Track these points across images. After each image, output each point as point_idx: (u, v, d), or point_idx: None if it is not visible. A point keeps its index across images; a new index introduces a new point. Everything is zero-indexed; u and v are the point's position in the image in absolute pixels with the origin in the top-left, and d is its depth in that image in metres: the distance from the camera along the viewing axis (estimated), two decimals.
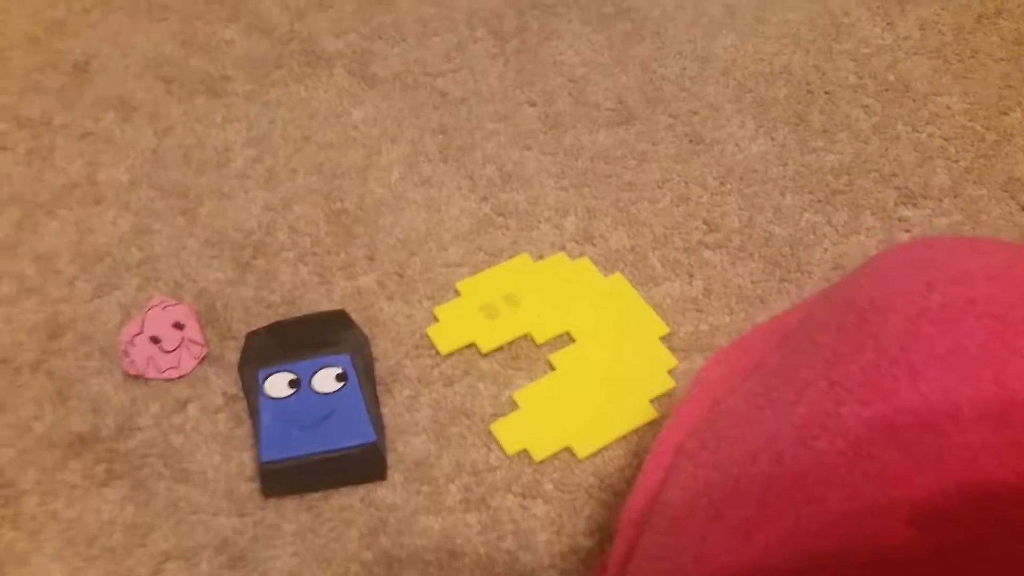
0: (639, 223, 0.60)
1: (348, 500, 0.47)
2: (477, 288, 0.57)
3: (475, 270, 0.58)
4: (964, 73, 0.70)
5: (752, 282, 0.57)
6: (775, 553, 0.27)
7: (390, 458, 0.49)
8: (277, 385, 0.49)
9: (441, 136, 0.66)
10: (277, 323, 0.53)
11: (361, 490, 0.48)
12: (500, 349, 0.54)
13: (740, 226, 0.60)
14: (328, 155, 0.65)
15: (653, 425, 0.50)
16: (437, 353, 0.54)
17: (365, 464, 0.48)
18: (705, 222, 0.60)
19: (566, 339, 0.54)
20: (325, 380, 0.50)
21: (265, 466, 0.47)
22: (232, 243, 0.59)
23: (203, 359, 0.53)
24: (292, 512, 0.47)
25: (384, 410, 0.51)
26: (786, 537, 0.27)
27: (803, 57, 0.72)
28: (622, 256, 0.58)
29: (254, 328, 0.53)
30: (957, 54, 0.71)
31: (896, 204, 0.61)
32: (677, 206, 0.61)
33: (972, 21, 0.74)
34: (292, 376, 0.49)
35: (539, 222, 0.60)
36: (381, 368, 0.53)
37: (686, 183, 0.63)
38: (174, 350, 0.53)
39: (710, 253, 0.59)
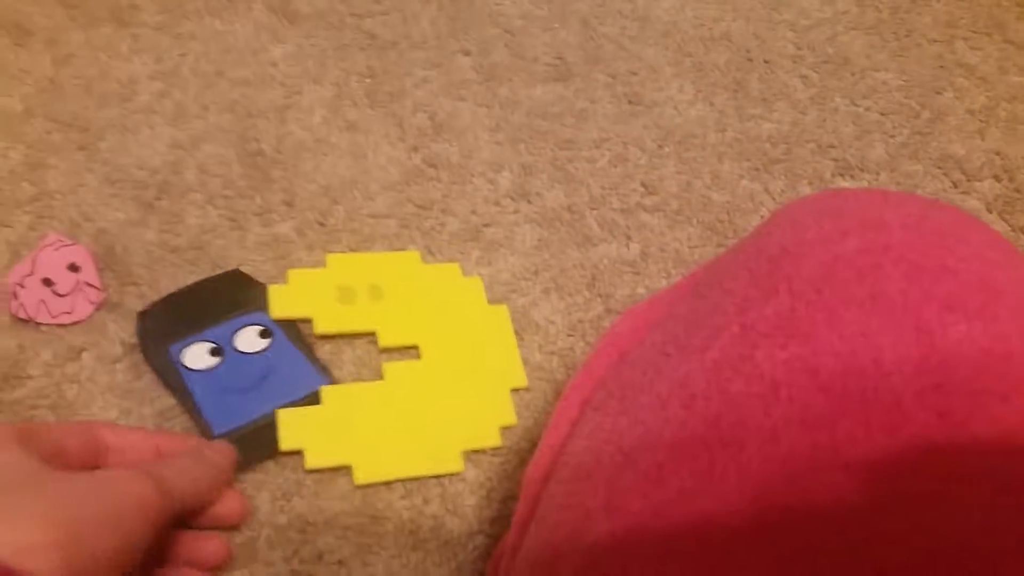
0: (576, 182, 0.58)
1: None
2: (347, 266, 0.51)
3: (403, 222, 0.54)
4: (900, 51, 0.70)
5: (689, 247, 0.55)
6: (690, 496, 0.25)
7: None
8: (197, 356, 0.45)
9: (368, 80, 0.62)
10: (169, 296, 0.48)
11: None
12: (337, 337, 0.48)
13: (678, 190, 0.58)
14: (243, 93, 0.60)
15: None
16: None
17: None
18: (643, 184, 0.58)
19: (412, 354, 0.49)
20: (249, 340, 0.46)
21: (233, 439, 0.42)
22: (135, 182, 0.54)
23: (100, 304, 0.48)
24: None
25: None
26: (701, 479, 0.25)
27: (743, 24, 0.70)
28: (558, 215, 0.56)
29: (155, 272, 0.48)
30: (893, 32, 0.71)
31: (833, 175, 0.60)
32: (615, 167, 0.59)
33: (908, 1, 0.74)
34: (211, 344, 0.45)
35: (472, 176, 0.57)
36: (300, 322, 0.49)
37: (624, 144, 0.61)
38: (68, 294, 0.48)
39: (647, 216, 0.57)
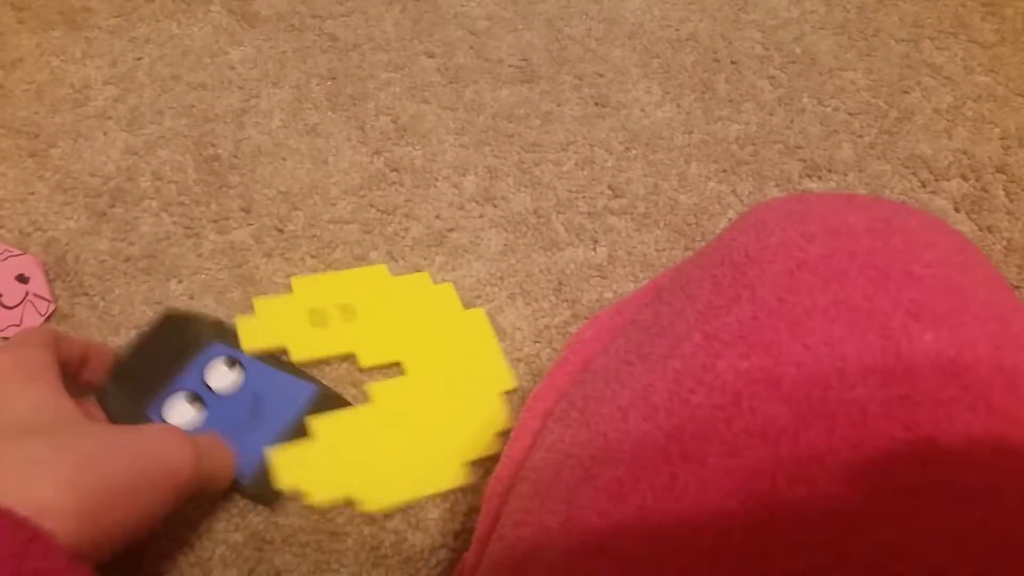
0: (542, 185, 0.57)
1: None
2: (314, 288, 0.49)
3: (365, 228, 0.53)
4: (867, 50, 0.69)
5: (656, 250, 0.55)
6: (650, 514, 0.24)
7: None
8: (178, 410, 0.42)
9: (330, 83, 0.61)
10: (117, 364, 0.43)
11: None
12: (315, 364, 0.47)
13: (645, 193, 0.58)
14: (200, 96, 0.58)
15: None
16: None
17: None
18: (610, 187, 0.57)
19: (396, 371, 0.47)
20: (220, 375, 0.44)
21: (254, 486, 0.40)
22: (87, 189, 0.53)
23: (49, 316, 0.46)
24: None
25: None
26: (662, 495, 0.24)
27: (710, 25, 0.70)
28: (524, 219, 0.55)
29: (108, 282, 0.47)
30: (861, 31, 0.71)
31: (801, 176, 0.60)
32: (582, 169, 0.58)
33: (875, 1, 0.74)
34: (185, 392, 0.43)
35: (436, 180, 0.56)
36: None
37: (591, 146, 0.60)
38: (16, 306, 0.46)
39: (615, 219, 0.56)
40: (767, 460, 0.23)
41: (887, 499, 0.22)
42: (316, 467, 0.42)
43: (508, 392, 0.47)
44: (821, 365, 0.24)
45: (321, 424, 0.43)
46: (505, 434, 0.45)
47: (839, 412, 0.23)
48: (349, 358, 0.47)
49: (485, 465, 0.44)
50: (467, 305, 0.50)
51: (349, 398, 0.46)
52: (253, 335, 0.46)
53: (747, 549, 0.23)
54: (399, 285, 0.50)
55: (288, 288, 0.49)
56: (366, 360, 0.46)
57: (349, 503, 0.42)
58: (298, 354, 0.46)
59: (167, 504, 0.32)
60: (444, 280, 0.51)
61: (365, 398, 0.45)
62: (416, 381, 0.46)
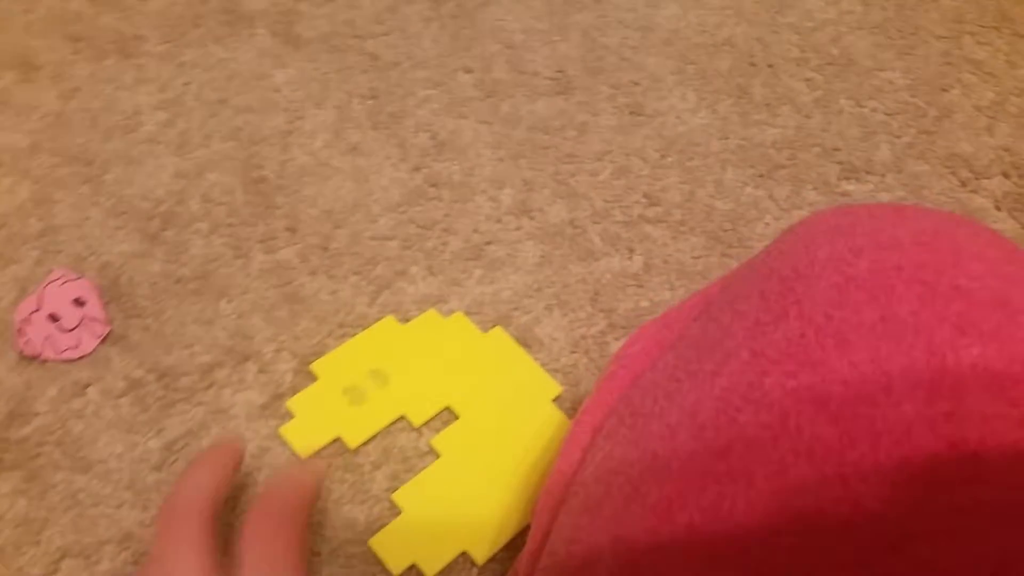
0: (578, 196, 0.58)
1: None
2: (337, 366, 0.48)
3: (405, 244, 0.54)
4: (906, 49, 0.69)
5: (693, 257, 0.55)
6: (698, 532, 0.25)
7: None
8: None
9: (371, 101, 0.62)
10: None
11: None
12: (372, 439, 0.46)
13: (681, 200, 0.58)
14: (247, 119, 0.60)
15: None
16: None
17: None
18: (646, 196, 0.58)
19: (448, 416, 0.47)
20: None
21: None
22: (139, 213, 0.55)
23: (105, 338, 0.49)
24: None
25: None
26: (709, 515, 0.25)
27: (746, 29, 0.70)
28: (560, 230, 0.56)
29: (160, 303, 0.49)
30: (899, 30, 0.70)
31: (839, 179, 0.59)
32: (617, 179, 0.59)
33: None
34: None
35: (474, 194, 0.57)
36: (308, 347, 0.49)
37: (627, 155, 0.60)
38: (74, 328, 0.48)
39: (651, 227, 0.56)
40: (812, 478, 0.24)
41: (931, 516, 0.22)
42: (418, 537, 0.42)
43: (556, 398, 0.48)
44: (867, 383, 0.24)
45: (405, 495, 0.43)
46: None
47: (884, 429, 0.23)
48: (399, 423, 0.47)
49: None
50: (504, 316, 0.51)
51: (416, 460, 0.45)
52: (303, 438, 0.45)
53: (792, 567, 0.23)
54: (414, 330, 0.50)
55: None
56: (417, 418, 0.46)
57: (461, 561, 0.42)
58: (354, 439, 0.45)
59: None
60: (481, 292, 0.52)
61: (433, 453, 0.45)
62: (472, 419, 0.46)
